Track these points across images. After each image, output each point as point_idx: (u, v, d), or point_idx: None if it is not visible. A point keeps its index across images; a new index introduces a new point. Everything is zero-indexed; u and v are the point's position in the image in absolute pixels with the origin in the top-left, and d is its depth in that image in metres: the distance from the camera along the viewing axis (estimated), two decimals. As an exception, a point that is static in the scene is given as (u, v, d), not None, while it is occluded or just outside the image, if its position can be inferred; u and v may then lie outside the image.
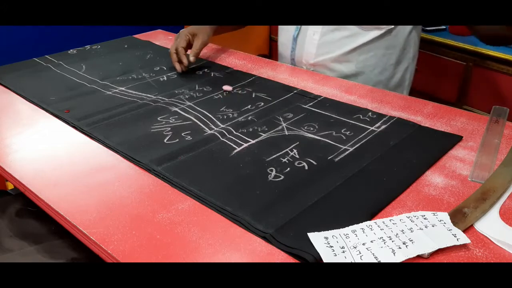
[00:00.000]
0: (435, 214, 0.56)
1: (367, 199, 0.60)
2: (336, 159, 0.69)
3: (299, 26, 1.07)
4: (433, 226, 0.54)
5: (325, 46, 1.04)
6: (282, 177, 0.65)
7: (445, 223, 0.55)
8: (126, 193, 0.62)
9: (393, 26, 1.01)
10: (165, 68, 1.06)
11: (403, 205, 0.59)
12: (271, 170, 0.66)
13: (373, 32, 1.00)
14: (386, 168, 0.66)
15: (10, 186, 1.27)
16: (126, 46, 1.22)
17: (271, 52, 2.29)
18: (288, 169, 0.67)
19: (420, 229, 0.54)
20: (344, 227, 0.54)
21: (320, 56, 1.05)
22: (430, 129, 0.77)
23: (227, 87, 0.94)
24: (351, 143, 0.73)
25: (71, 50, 1.19)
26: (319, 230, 0.53)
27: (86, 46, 1.22)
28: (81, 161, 0.70)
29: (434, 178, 0.64)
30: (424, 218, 0.56)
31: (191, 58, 1.02)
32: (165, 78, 1.01)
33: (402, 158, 0.69)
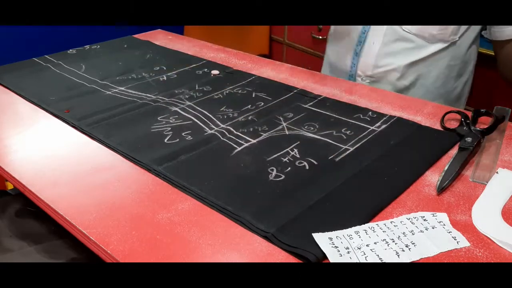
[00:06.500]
0: (434, 214, 0.56)
1: (367, 198, 0.60)
2: (337, 159, 0.69)
3: (362, 39, 1.00)
4: (433, 228, 0.54)
5: (385, 57, 0.99)
6: (283, 176, 0.65)
7: (444, 224, 0.55)
8: (126, 193, 0.62)
9: (457, 38, 0.96)
10: (165, 68, 1.06)
11: (403, 205, 0.59)
12: (272, 170, 0.66)
13: (437, 44, 0.95)
14: (387, 168, 0.66)
15: (10, 186, 1.27)
16: (126, 46, 1.22)
17: (271, 52, 2.29)
18: (289, 168, 0.66)
19: (421, 231, 0.54)
20: (345, 226, 0.54)
21: (379, 68, 1.01)
22: (430, 128, 0.77)
23: (215, 72, 1.02)
24: (352, 142, 0.73)
25: (70, 50, 1.18)
26: (320, 230, 0.53)
27: (85, 46, 1.22)
28: (81, 161, 0.70)
29: (434, 178, 0.64)
30: (424, 220, 0.55)
31: None
32: (165, 78, 1.01)
33: (402, 158, 0.69)
